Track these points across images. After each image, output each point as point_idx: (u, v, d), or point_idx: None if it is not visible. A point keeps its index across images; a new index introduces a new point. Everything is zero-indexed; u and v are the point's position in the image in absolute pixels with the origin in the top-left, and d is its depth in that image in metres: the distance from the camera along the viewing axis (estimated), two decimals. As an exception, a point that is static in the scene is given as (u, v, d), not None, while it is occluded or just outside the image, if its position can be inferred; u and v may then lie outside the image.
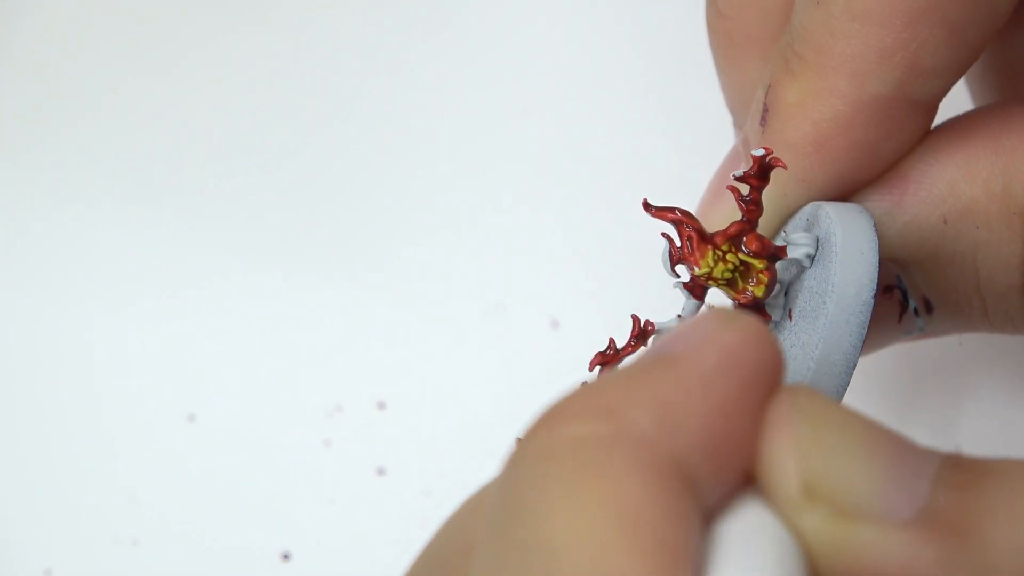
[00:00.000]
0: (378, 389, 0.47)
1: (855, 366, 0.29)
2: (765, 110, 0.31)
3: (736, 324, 0.22)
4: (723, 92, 0.36)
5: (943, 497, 0.22)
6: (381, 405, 0.46)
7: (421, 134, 0.50)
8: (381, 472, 0.46)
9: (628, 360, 0.31)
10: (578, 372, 0.32)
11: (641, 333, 0.31)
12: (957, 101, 0.34)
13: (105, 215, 0.50)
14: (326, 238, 0.49)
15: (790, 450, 0.22)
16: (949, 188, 0.31)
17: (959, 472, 0.22)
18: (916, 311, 0.33)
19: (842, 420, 0.22)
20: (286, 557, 0.45)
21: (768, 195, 0.31)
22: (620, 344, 0.31)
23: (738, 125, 0.36)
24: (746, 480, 0.22)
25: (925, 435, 0.44)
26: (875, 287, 0.29)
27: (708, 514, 0.22)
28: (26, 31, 0.53)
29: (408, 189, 0.49)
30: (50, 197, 0.50)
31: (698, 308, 0.31)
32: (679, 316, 0.31)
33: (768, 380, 0.22)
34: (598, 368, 0.31)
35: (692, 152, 0.39)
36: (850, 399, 0.44)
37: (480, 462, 0.45)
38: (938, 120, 0.33)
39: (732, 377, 0.22)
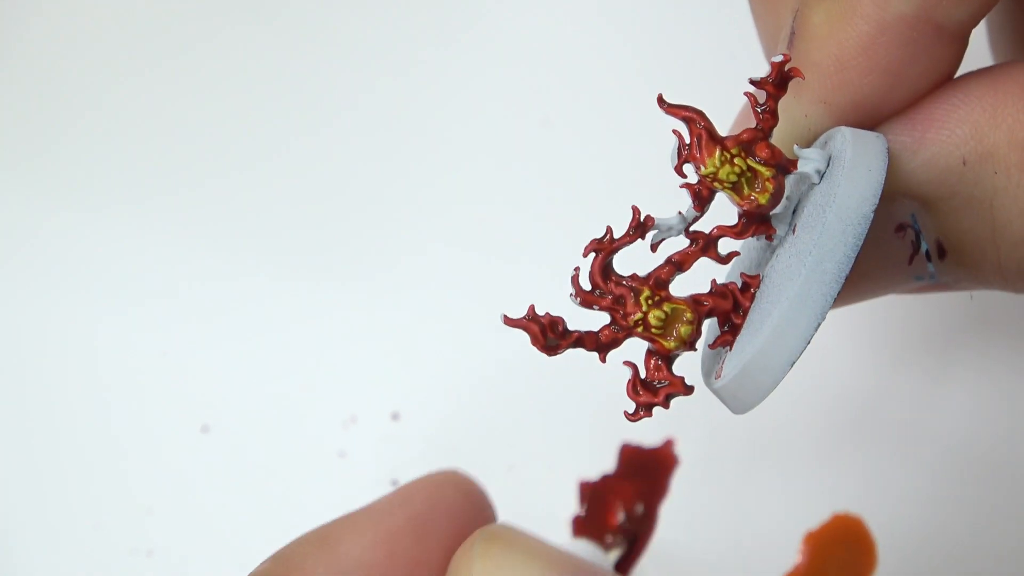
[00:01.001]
0: (393, 401, 0.47)
1: (845, 277, 0.29)
2: (793, 34, 0.32)
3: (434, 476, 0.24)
4: (759, 39, 0.36)
5: None
6: (395, 416, 0.47)
7: (439, 146, 0.51)
8: (396, 483, 0.46)
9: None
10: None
11: (640, 225, 0.30)
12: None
13: (124, 228, 0.51)
14: (341, 252, 0.49)
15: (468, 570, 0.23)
16: (973, 131, 0.31)
17: None
18: (928, 254, 0.33)
19: (524, 549, 0.23)
20: (301, 567, 0.45)
21: (790, 117, 0.31)
22: (618, 234, 0.30)
23: None
24: None
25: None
26: (876, 202, 0.29)
27: None
28: (31, 37, 0.54)
29: (426, 202, 0.50)
30: (70, 211, 0.51)
31: (697, 218, 0.31)
32: (679, 212, 0.30)
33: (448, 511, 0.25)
34: (592, 255, 0.30)
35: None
36: (888, 353, 0.44)
37: (495, 473, 0.45)
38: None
39: (404, 512, 0.24)
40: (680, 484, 0.44)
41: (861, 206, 0.28)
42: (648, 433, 0.45)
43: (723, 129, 0.40)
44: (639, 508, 0.44)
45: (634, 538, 0.43)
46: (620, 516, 0.44)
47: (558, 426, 0.46)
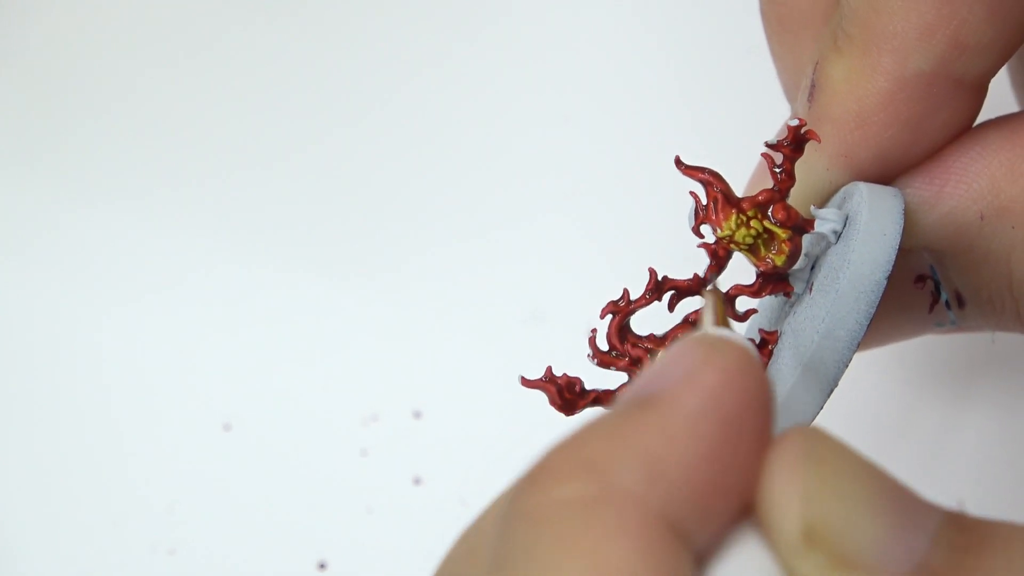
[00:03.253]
0: (414, 398, 0.47)
1: (858, 343, 0.29)
2: (813, 86, 0.32)
3: (719, 357, 0.22)
4: (778, 76, 0.36)
5: (941, 556, 0.21)
6: (417, 414, 0.46)
7: (461, 142, 0.50)
8: (417, 481, 0.46)
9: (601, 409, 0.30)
10: (615, 381, 0.32)
11: (656, 287, 0.30)
12: (1005, 105, 0.34)
13: (145, 224, 0.50)
14: (363, 248, 0.49)
15: (795, 493, 0.21)
16: (990, 185, 0.31)
17: (960, 533, 0.22)
18: (948, 303, 0.33)
19: (851, 467, 0.22)
20: (322, 566, 0.45)
21: (811, 171, 0.31)
22: (634, 296, 0.31)
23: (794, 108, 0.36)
24: (742, 514, 0.22)
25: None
26: (890, 269, 0.29)
27: (702, 552, 0.21)
28: (35, 31, 0.54)
29: (448, 198, 0.49)
30: (90, 205, 0.51)
31: (717, 276, 0.31)
32: (695, 275, 0.31)
33: (758, 414, 0.22)
34: (609, 317, 0.31)
35: (735, 161, 0.39)
36: (902, 391, 0.43)
37: (516, 471, 0.45)
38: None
39: (718, 419, 0.21)
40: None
41: (874, 272, 0.29)
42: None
43: (751, 132, 0.40)
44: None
45: None
46: None
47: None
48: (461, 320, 0.48)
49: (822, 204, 0.32)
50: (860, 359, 0.44)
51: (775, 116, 0.38)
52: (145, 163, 0.51)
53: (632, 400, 0.22)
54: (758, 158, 0.36)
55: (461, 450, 0.46)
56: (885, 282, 0.28)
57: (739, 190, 0.36)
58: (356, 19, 0.52)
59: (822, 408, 0.29)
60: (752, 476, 0.22)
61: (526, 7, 0.52)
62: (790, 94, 0.36)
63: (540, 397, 0.46)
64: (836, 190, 0.32)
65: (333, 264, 0.49)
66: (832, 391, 0.29)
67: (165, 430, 0.47)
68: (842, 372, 0.29)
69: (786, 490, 0.21)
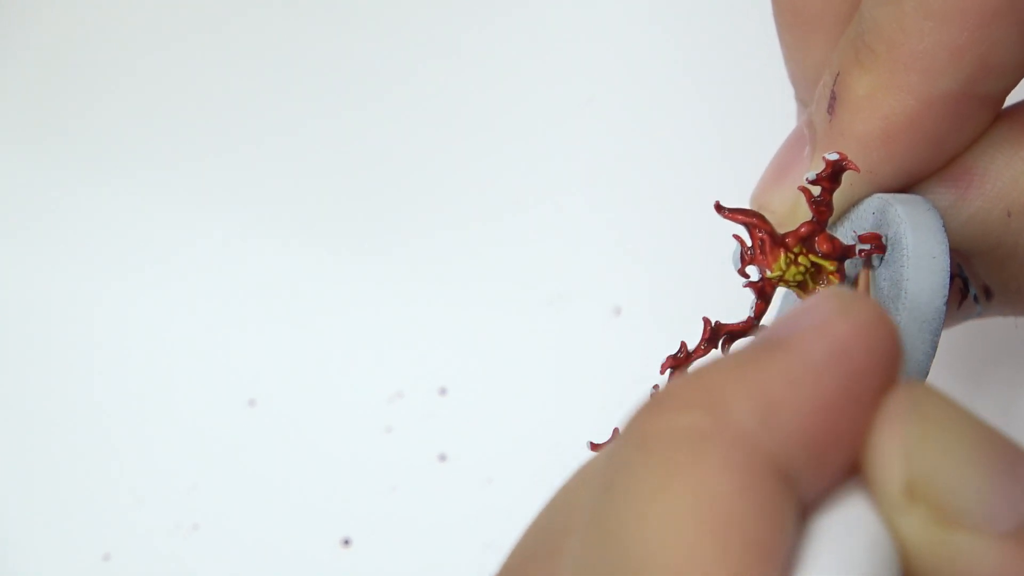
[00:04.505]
0: (439, 375, 0.46)
1: (928, 373, 0.29)
2: (833, 98, 0.31)
3: (853, 310, 0.22)
4: (786, 67, 0.36)
5: None
6: (442, 391, 0.46)
7: (485, 122, 0.50)
8: (442, 458, 0.46)
9: (740, 343, 0.31)
10: (639, 359, 0.32)
11: (712, 335, 0.30)
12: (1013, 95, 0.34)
13: (165, 200, 0.50)
14: (389, 225, 0.49)
15: (898, 448, 0.21)
16: (1013, 182, 0.31)
17: None
18: (976, 298, 0.33)
19: (955, 422, 0.21)
20: (346, 543, 0.45)
21: None
22: (691, 347, 0.30)
23: (800, 100, 0.36)
24: (851, 471, 0.22)
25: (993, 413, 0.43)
26: (947, 292, 0.29)
27: (807, 504, 0.21)
28: (42, 10, 0.53)
29: (473, 177, 0.49)
30: (106, 182, 0.50)
31: (764, 312, 0.30)
32: (748, 318, 0.30)
33: (884, 371, 0.22)
34: (669, 372, 0.31)
35: (755, 142, 0.39)
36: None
37: (541, 448, 0.45)
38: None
39: (843, 369, 0.21)
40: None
41: (933, 300, 0.28)
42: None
43: (772, 114, 0.39)
44: None
45: None
46: None
47: (608, 404, 0.46)
48: (487, 298, 0.47)
49: (842, 216, 0.32)
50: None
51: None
52: (175, 140, 0.51)
53: (761, 342, 0.22)
54: (784, 136, 0.36)
55: (486, 427, 0.46)
56: (944, 307, 0.28)
57: (761, 167, 0.36)
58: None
59: None
60: (866, 432, 0.22)
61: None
62: (797, 83, 0.35)
63: (565, 375, 0.47)
64: (857, 203, 0.32)
65: (359, 241, 0.49)
66: None
67: (190, 406, 0.47)
68: None
69: (890, 445, 0.21)
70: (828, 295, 0.22)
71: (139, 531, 0.46)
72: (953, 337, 0.44)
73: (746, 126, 0.48)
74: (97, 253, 0.49)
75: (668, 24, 0.50)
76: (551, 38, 0.50)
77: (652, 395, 0.22)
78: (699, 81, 0.49)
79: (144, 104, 0.52)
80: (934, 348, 0.28)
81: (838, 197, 0.31)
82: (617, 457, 0.21)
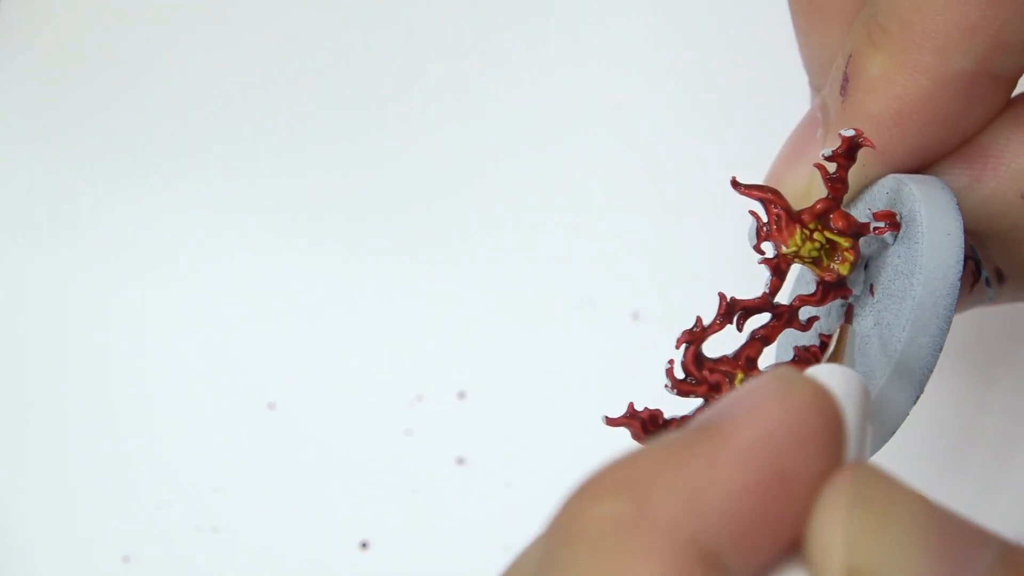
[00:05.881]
0: (459, 379, 0.47)
1: (943, 347, 0.29)
2: (846, 80, 0.31)
3: (791, 393, 0.22)
4: (800, 53, 0.36)
5: None
6: (462, 395, 0.46)
7: (508, 127, 0.50)
8: (461, 462, 0.46)
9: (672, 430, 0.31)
10: (658, 364, 0.32)
11: (727, 310, 0.30)
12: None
13: (186, 203, 0.50)
14: (409, 229, 0.49)
15: (840, 533, 0.21)
16: None
17: (1016, 568, 0.21)
18: (988, 281, 0.33)
19: (898, 506, 0.21)
20: (365, 546, 0.45)
21: None
22: (707, 322, 0.31)
23: (814, 86, 0.36)
24: (790, 548, 0.22)
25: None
26: (961, 268, 0.29)
27: None
28: (53, 11, 0.54)
29: (496, 182, 0.49)
30: (124, 183, 0.51)
31: (778, 288, 0.31)
32: (763, 293, 0.31)
33: (821, 454, 0.21)
34: (684, 346, 0.31)
35: (768, 133, 0.39)
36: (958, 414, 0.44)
37: (560, 452, 0.45)
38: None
39: (771, 454, 0.21)
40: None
41: (947, 275, 0.29)
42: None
43: (790, 117, 0.40)
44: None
45: None
46: None
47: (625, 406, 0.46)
48: (509, 302, 0.47)
49: (856, 196, 0.32)
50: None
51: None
52: (200, 142, 0.51)
53: (694, 427, 0.22)
54: (798, 120, 0.36)
55: (506, 431, 0.46)
56: (959, 283, 0.29)
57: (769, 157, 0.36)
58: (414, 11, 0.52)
59: (912, 407, 0.29)
60: (805, 513, 0.21)
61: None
62: (811, 69, 0.35)
63: (585, 381, 0.47)
64: (871, 183, 0.32)
65: (380, 245, 0.49)
66: (921, 393, 0.29)
67: (210, 408, 0.47)
68: (929, 375, 0.29)
69: (831, 530, 0.21)
70: (771, 376, 0.22)
71: (159, 533, 0.46)
72: (962, 329, 0.44)
73: (769, 136, 0.48)
74: (119, 257, 0.50)
75: (686, 29, 0.50)
76: (577, 46, 0.51)
77: (581, 481, 0.22)
78: (719, 88, 0.49)
79: (164, 105, 0.52)
80: (948, 324, 0.29)
81: (853, 178, 0.31)
82: (546, 550, 0.21)
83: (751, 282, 0.34)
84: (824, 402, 0.22)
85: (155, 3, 0.54)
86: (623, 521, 0.20)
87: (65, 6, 0.54)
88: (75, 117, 0.52)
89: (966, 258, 0.32)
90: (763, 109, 0.48)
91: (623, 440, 0.38)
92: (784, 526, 0.21)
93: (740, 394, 0.22)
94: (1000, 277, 0.33)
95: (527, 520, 0.45)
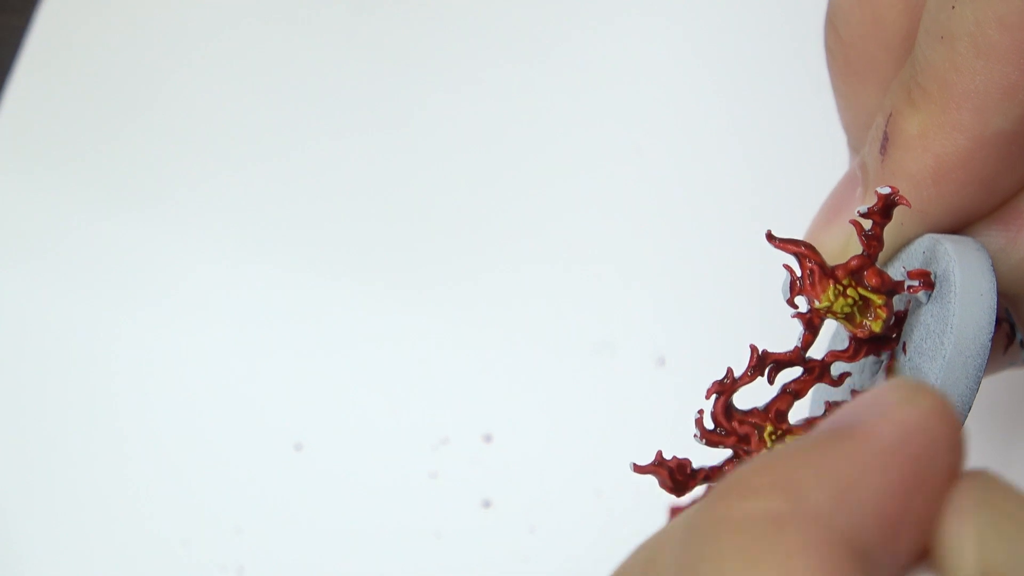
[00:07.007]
0: (484, 422, 0.47)
1: (971, 407, 0.29)
2: (885, 139, 0.31)
3: (918, 399, 0.22)
4: (840, 115, 0.36)
5: None
6: (487, 438, 0.46)
7: (537, 171, 0.50)
8: (487, 505, 0.46)
9: (804, 437, 0.31)
10: (682, 411, 0.32)
11: (759, 363, 0.30)
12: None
13: (225, 244, 0.51)
14: (435, 271, 0.49)
15: (971, 537, 0.21)
16: None
17: None
18: (1022, 343, 0.33)
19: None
20: (390, 588, 0.45)
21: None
22: (738, 373, 0.31)
23: (853, 147, 0.36)
24: (921, 556, 0.22)
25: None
26: (993, 330, 0.29)
27: None
28: (62, 45, 0.54)
29: (521, 225, 0.49)
30: (138, 218, 0.51)
31: (811, 343, 0.31)
32: (795, 347, 0.31)
33: (949, 457, 0.22)
34: (714, 396, 0.31)
35: (804, 194, 0.39)
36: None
37: (584, 497, 0.45)
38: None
39: (911, 454, 0.22)
40: None
41: (979, 336, 0.29)
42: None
43: (818, 163, 0.40)
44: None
45: None
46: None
47: (651, 455, 0.46)
48: (533, 345, 0.47)
49: (894, 256, 0.33)
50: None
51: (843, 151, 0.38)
52: (216, 179, 0.52)
53: (827, 431, 0.22)
54: (835, 182, 0.36)
55: (531, 474, 0.46)
56: (989, 344, 0.29)
57: (814, 206, 0.36)
58: (436, 42, 0.53)
59: None
60: (935, 518, 0.22)
61: (606, 32, 0.52)
62: (850, 131, 0.36)
63: (611, 426, 0.47)
64: (908, 242, 0.32)
65: (408, 287, 0.49)
66: None
67: (237, 449, 0.47)
68: None
69: (962, 534, 0.21)
70: (892, 385, 0.23)
71: (185, 573, 0.46)
72: (994, 386, 0.44)
73: (795, 179, 0.48)
74: (145, 295, 0.50)
75: (716, 74, 0.50)
76: (602, 90, 0.51)
77: (727, 480, 0.22)
78: (746, 133, 0.50)
79: (178, 134, 0.53)
80: (977, 384, 0.29)
81: (890, 237, 0.31)
82: (695, 544, 0.21)
83: (778, 335, 0.34)
84: (947, 410, 0.22)
85: (164, 35, 0.54)
86: (777, 517, 0.21)
87: (74, 40, 0.54)
88: (90, 145, 0.53)
89: (1000, 320, 0.32)
90: (796, 160, 0.48)
91: (648, 487, 0.38)
92: (921, 528, 0.22)
93: (864, 401, 0.22)
94: None
95: (550, 564, 0.45)
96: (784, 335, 0.34)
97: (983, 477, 0.22)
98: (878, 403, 0.22)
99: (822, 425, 0.23)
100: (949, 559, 0.21)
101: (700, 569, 0.21)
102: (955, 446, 0.22)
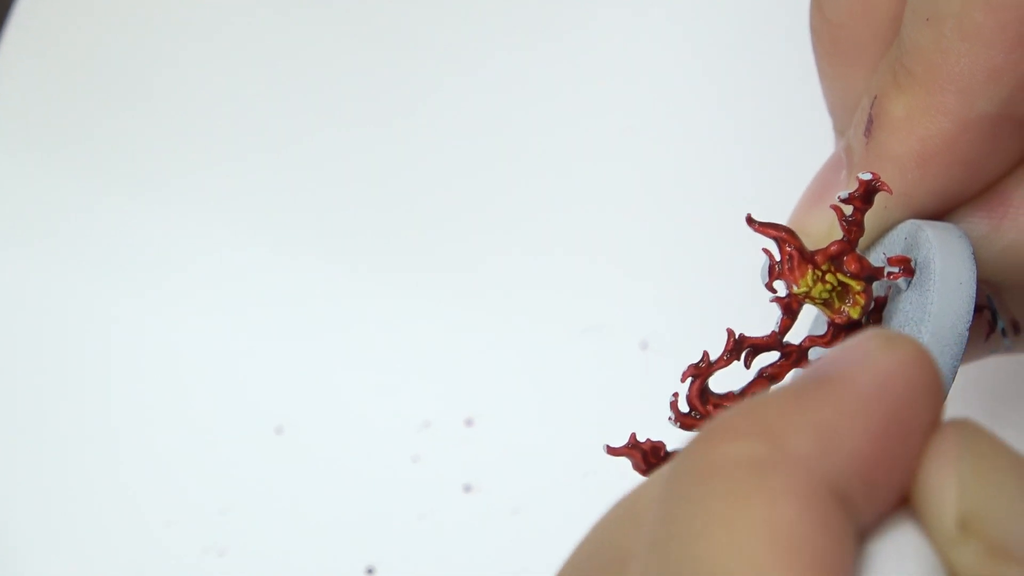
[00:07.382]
0: (466, 406, 0.47)
1: (947, 395, 0.29)
2: (870, 121, 0.31)
3: (896, 346, 0.22)
4: (825, 97, 0.35)
5: None
6: (469, 422, 0.46)
7: (520, 153, 0.50)
8: (468, 489, 0.46)
9: (787, 378, 0.31)
10: (665, 394, 0.32)
11: (735, 347, 0.30)
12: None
13: (195, 224, 0.51)
14: (418, 254, 0.49)
15: (951, 482, 0.21)
16: None
17: None
18: (1004, 331, 0.33)
19: (1006, 458, 0.22)
20: (370, 572, 0.45)
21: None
22: (714, 357, 0.31)
23: (838, 130, 0.36)
24: (901, 502, 0.22)
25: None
26: (971, 318, 0.29)
27: (861, 533, 0.22)
28: (57, 24, 0.54)
29: (505, 208, 0.49)
30: (131, 198, 0.51)
31: (789, 328, 0.31)
32: (772, 332, 0.31)
33: (929, 404, 0.22)
34: (690, 380, 0.31)
35: (789, 177, 0.39)
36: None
37: (567, 480, 0.45)
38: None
39: (891, 400, 0.22)
40: None
41: (956, 324, 0.29)
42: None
43: (805, 146, 0.40)
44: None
45: None
46: None
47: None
48: (515, 329, 0.47)
49: (876, 240, 0.32)
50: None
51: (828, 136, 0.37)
52: (201, 161, 0.51)
53: (807, 378, 0.22)
54: (820, 164, 0.36)
55: (512, 458, 0.46)
56: (967, 333, 0.29)
57: (799, 190, 0.36)
58: (429, 38, 0.52)
59: None
60: (915, 464, 0.22)
61: (600, 18, 0.52)
62: (836, 113, 0.35)
63: (593, 410, 0.47)
64: (892, 226, 0.32)
65: (389, 269, 0.49)
66: None
67: (217, 432, 0.47)
68: None
69: (943, 480, 0.21)
70: (870, 334, 0.23)
71: (167, 555, 0.46)
72: (974, 373, 0.44)
73: (781, 161, 0.48)
74: (126, 274, 0.50)
75: (700, 58, 0.50)
76: (592, 71, 0.51)
77: (708, 426, 0.22)
78: (729, 117, 0.49)
79: (175, 118, 0.52)
80: (953, 374, 0.29)
81: (873, 222, 0.31)
82: (676, 487, 0.21)
83: (764, 319, 0.34)
84: (925, 357, 0.22)
85: (164, 17, 0.54)
86: (760, 461, 0.21)
87: (71, 19, 0.54)
88: (86, 128, 0.52)
89: (982, 307, 0.32)
90: (781, 142, 0.48)
91: (631, 469, 0.38)
92: (901, 473, 0.22)
93: (843, 349, 0.23)
94: (1016, 328, 0.33)
95: (534, 548, 0.45)
96: (769, 319, 0.34)
97: (965, 425, 0.22)
98: (858, 351, 0.22)
99: (804, 373, 0.23)
100: (930, 504, 0.22)
101: (683, 510, 0.21)
102: (934, 392, 0.22)
